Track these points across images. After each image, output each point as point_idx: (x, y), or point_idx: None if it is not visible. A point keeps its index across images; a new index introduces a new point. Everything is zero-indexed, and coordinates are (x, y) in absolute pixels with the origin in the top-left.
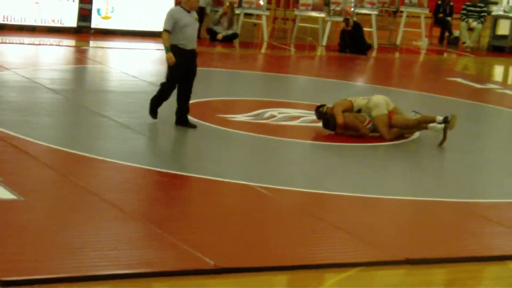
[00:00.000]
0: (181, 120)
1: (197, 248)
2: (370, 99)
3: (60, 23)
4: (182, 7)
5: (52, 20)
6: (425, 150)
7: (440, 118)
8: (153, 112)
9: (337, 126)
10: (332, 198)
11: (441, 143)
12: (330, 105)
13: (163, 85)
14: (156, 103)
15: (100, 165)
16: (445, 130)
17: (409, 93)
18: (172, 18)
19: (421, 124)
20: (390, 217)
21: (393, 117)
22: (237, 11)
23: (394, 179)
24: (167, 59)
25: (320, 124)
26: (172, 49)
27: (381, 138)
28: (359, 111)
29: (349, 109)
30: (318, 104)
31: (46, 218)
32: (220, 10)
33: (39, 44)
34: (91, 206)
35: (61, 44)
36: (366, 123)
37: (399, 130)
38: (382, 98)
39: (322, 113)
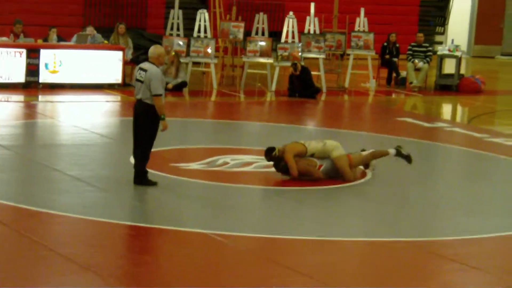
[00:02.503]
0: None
1: None
2: (326, 143)
3: (8, 78)
4: (152, 63)
5: (0, 76)
6: (378, 190)
7: (392, 151)
8: (147, 180)
9: (292, 176)
10: (289, 242)
11: (410, 162)
12: (280, 147)
13: (145, 148)
14: (144, 168)
15: (54, 220)
16: (403, 156)
17: (360, 135)
18: (162, 81)
19: (376, 158)
20: (348, 259)
21: (351, 158)
22: (185, 60)
23: (350, 220)
24: (164, 126)
25: (273, 169)
26: (153, 109)
27: (333, 180)
28: (312, 155)
29: (302, 153)
30: (263, 150)
31: (1, 276)
32: (166, 60)
33: None
34: (46, 261)
35: (9, 99)
36: (317, 167)
37: (356, 170)
38: (336, 142)
39: (274, 158)
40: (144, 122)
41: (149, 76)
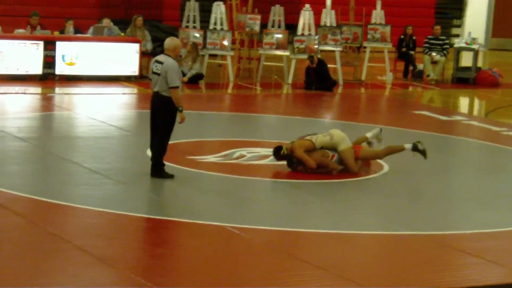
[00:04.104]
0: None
1: None
2: (333, 136)
3: (25, 71)
4: (168, 55)
5: (17, 68)
6: (393, 184)
7: (409, 146)
8: (164, 172)
9: (310, 169)
10: (304, 235)
11: (425, 157)
12: (288, 144)
13: (162, 141)
14: (161, 160)
15: (70, 212)
16: (419, 151)
17: (376, 128)
18: (178, 73)
19: (390, 154)
20: (363, 252)
21: (361, 150)
22: (201, 53)
23: (365, 214)
24: (182, 118)
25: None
26: (170, 101)
27: (347, 173)
28: (321, 148)
29: (310, 148)
30: (277, 145)
31: (18, 267)
32: (184, 51)
33: (5, 93)
34: (63, 253)
35: (26, 92)
36: (330, 157)
37: (361, 162)
38: (342, 132)
39: (283, 157)
40: (161, 114)
41: (165, 69)
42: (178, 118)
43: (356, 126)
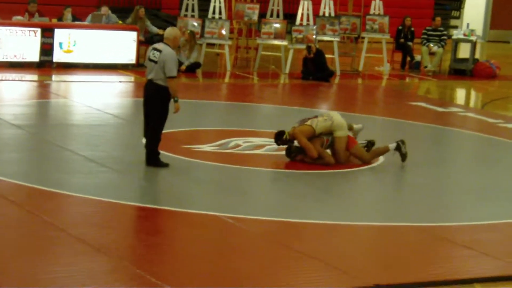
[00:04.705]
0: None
1: (166, 280)
2: (333, 121)
3: (22, 58)
4: (167, 44)
5: (14, 55)
6: (389, 175)
7: (393, 146)
8: (159, 161)
9: (311, 159)
10: (300, 226)
11: (403, 160)
12: (289, 130)
13: (156, 129)
14: (156, 149)
15: (66, 200)
16: (401, 152)
17: (373, 119)
18: (177, 63)
19: (376, 157)
20: (359, 243)
21: (354, 146)
22: (199, 42)
23: (360, 205)
24: (177, 108)
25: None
26: (164, 90)
27: (343, 164)
28: (320, 134)
29: (311, 135)
30: (279, 130)
31: (12, 255)
32: (182, 40)
33: (1, 80)
34: (58, 241)
35: (23, 79)
36: (325, 141)
37: (349, 154)
38: (342, 118)
39: (284, 141)
40: (155, 103)
41: (164, 58)
42: (173, 108)
43: (353, 117)
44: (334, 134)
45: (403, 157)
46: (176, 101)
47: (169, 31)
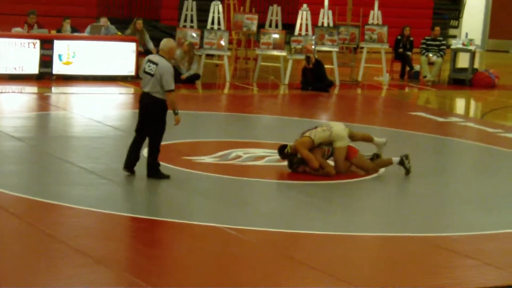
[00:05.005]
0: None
1: None
2: (332, 131)
3: (22, 70)
4: (162, 56)
5: (14, 68)
6: (390, 185)
7: (396, 159)
8: (160, 173)
9: (312, 170)
10: (301, 236)
11: (407, 174)
12: (291, 144)
13: (155, 142)
14: (156, 160)
15: (66, 212)
16: (405, 167)
17: (372, 129)
18: (173, 75)
19: (378, 169)
20: (360, 253)
21: (356, 156)
22: (198, 52)
23: (362, 215)
24: (178, 121)
25: (285, 163)
26: (161, 103)
27: (345, 174)
28: (320, 144)
29: (310, 145)
30: (281, 144)
31: (13, 268)
32: (180, 51)
33: (1, 92)
34: (58, 254)
35: (23, 91)
36: (326, 151)
37: (349, 164)
38: (343, 128)
39: (287, 155)
40: (153, 116)
41: (161, 71)
42: (173, 120)
43: (352, 127)
44: (334, 145)
45: (407, 171)
46: (176, 114)
47: (165, 43)
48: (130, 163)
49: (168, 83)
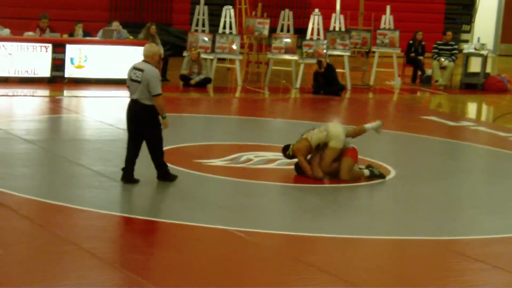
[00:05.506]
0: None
1: None
2: (328, 132)
3: (34, 73)
4: (147, 62)
5: (26, 71)
6: (400, 188)
7: (367, 173)
8: (169, 174)
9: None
10: (311, 239)
11: (383, 178)
12: (294, 143)
13: (156, 145)
14: (163, 162)
15: (77, 214)
16: (376, 175)
17: (384, 133)
18: (160, 80)
19: (352, 179)
20: (370, 257)
21: (346, 158)
22: (210, 56)
23: (371, 218)
24: (166, 125)
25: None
26: (150, 109)
27: (353, 180)
28: (318, 146)
29: (308, 149)
30: (284, 145)
31: (25, 269)
32: (188, 57)
33: (13, 95)
34: (69, 256)
35: (35, 94)
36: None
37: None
38: (341, 129)
39: (289, 156)
40: (146, 123)
41: (147, 77)
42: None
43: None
44: (328, 144)
45: (381, 176)
46: (164, 118)
47: (148, 48)
48: (129, 174)
49: (154, 87)
